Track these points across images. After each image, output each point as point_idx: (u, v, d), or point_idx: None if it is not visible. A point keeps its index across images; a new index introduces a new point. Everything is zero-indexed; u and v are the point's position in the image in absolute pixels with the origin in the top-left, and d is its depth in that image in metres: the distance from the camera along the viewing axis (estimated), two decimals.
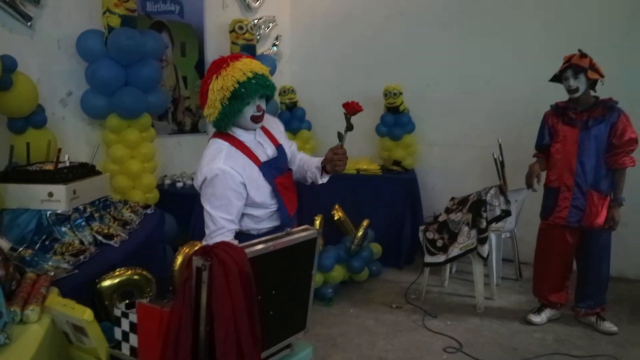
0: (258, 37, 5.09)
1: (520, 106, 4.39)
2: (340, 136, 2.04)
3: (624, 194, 3.22)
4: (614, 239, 3.36)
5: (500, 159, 3.77)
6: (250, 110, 1.93)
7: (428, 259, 3.79)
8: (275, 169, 2.03)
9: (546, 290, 3.50)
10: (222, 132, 2.00)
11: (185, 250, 2.48)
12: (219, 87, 1.86)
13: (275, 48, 5.46)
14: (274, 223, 2.06)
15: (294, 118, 5.28)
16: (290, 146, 2.22)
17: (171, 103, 4.41)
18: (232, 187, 1.89)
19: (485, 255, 3.58)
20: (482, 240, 3.55)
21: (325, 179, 2.17)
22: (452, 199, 3.92)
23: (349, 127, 2.03)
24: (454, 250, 3.64)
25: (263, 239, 1.56)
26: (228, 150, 1.94)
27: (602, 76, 3.17)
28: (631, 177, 3.27)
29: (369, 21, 5.20)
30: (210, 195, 1.91)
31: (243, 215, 1.99)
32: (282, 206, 2.03)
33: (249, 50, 4.50)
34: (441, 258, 3.71)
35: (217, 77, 1.88)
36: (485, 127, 4.61)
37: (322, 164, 2.13)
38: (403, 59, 5.04)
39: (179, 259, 2.45)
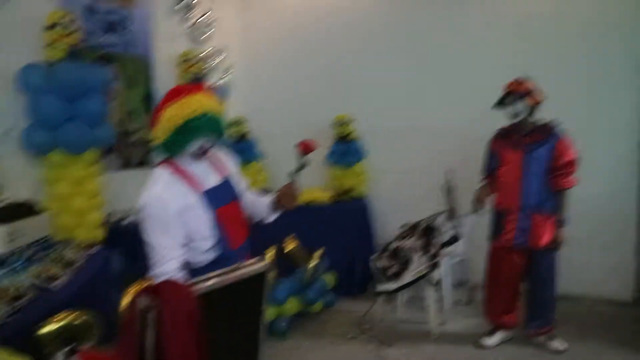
0: (208, 69, 5.08)
1: (467, 132, 4.51)
2: (291, 175, 2.13)
3: (567, 213, 3.34)
4: (559, 257, 3.47)
5: (449, 185, 3.86)
6: (193, 147, 1.93)
7: (380, 287, 3.80)
8: (218, 198, 2.00)
9: (497, 313, 3.56)
10: (167, 159, 2.00)
11: (133, 289, 2.39)
12: (170, 116, 1.86)
13: (225, 79, 5.46)
14: (214, 255, 2.00)
15: (244, 150, 5.24)
16: (240, 182, 2.21)
17: (118, 137, 4.31)
18: (169, 214, 1.87)
19: (436, 281, 3.62)
20: (434, 266, 3.60)
21: (273, 217, 2.26)
22: (403, 225, 3.97)
23: (302, 166, 2.12)
24: (407, 277, 3.67)
25: (212, 274, 1.52)
26: (168, 178, 1.93)
27: (541, 101, 3.32)
28: (574, 195, 3.39)
29: (320, 53, 5.30)
30: (148, 224, 1.88)
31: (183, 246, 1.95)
32: (223, 237, 1.99)
33: (198, 82, 4.47)
34: (393, 286, 3.73)
35: (171, 105, 1.88)
36: (434, 154, 4.72)
37: (273, 201, 2.19)
38: (354, 90, 5.15)
39: (126, 300, 2.35)
